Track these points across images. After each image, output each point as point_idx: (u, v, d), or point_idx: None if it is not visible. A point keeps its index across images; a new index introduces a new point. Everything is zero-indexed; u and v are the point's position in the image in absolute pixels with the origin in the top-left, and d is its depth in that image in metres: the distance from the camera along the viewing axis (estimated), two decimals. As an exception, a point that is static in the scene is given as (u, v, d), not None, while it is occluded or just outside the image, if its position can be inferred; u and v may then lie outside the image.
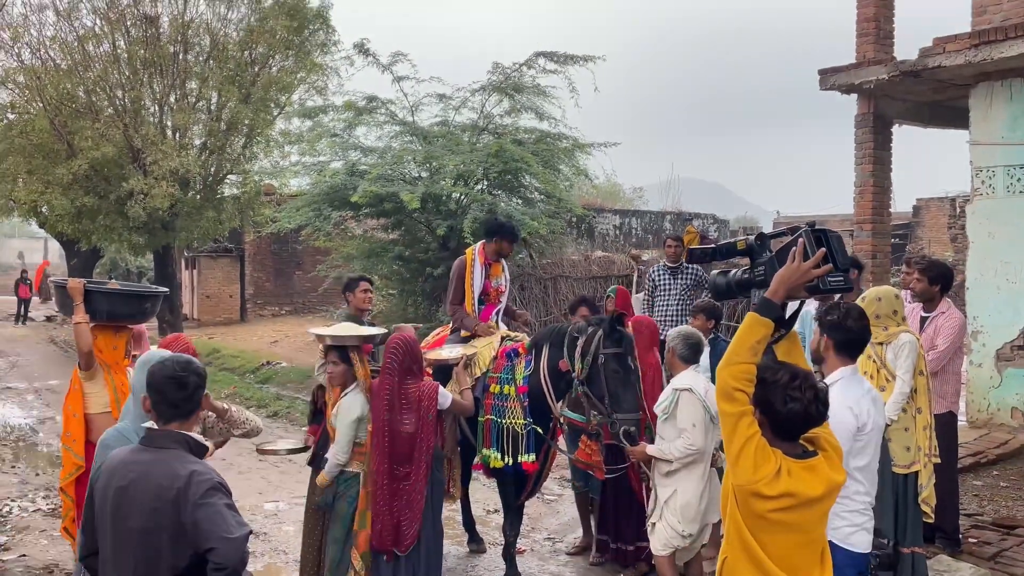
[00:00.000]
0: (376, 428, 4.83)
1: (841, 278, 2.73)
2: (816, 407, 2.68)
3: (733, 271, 2.99)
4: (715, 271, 3.12)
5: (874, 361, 5.24)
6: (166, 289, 6.10)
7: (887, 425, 5.06)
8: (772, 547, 2.67)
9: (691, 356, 5.02)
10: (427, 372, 5.33)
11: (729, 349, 2.73)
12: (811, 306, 6.33)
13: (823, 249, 2.68)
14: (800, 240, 2.72)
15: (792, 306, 2.92)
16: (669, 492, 4.88)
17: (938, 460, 5.24)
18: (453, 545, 6.51)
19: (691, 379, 4.91)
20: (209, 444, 2.98)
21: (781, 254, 2.78)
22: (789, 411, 2.66)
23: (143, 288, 6.08)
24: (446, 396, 5.03)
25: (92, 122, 17.80)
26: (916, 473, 5.08)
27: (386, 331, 5.60)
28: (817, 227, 2.77)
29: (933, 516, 5.23)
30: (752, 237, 2.94)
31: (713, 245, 3.09)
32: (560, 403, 5.54)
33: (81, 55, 18.54)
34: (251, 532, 2.72)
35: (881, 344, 5.19)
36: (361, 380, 4.83)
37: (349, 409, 4.82)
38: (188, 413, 2.88)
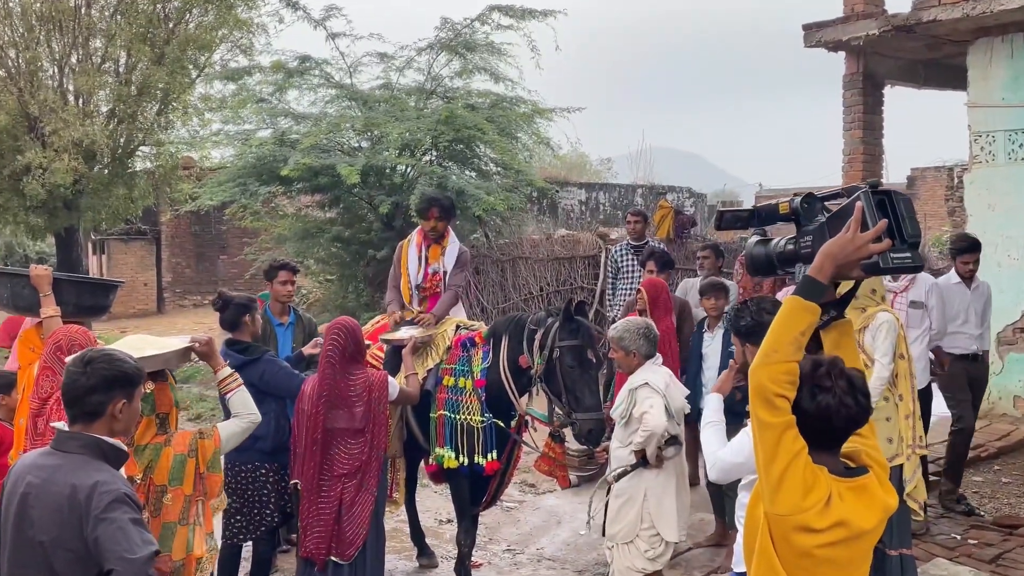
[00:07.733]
0: (311, 426, 4.80)
1: (908, 255, 2.41)
2: (855, 397, 2.42)
3: (776, 240, 2.73)
4: (752, 238, 2.82)
5: None
6: (124, 280, 6.06)
7: None
8: None
9: (650, 351, 4.97)
10: (378, 353, 5.54)
11: (765, 343, 2.42)
12: None
13: (884, 220, 2.38)
14: (858, 204, 2.40)
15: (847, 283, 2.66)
16: (640, 496, 4.82)
17: (925, 451, 5.24)
18: (401, 560, 6.50)
19: (647, 375, 4.89)
20: (127, 449, 2.92)
21: (834, 221, 2.49)
22: (821, 407, 2.40)
23: (107, 279, 6.05)
24: (395, 387, 5.06)
25: (-20, 87, 17.37)
26: (900, 467, 5.06)
27: (188, 346, 4.74)
28: (881, 187, 2.48)
29: (923, 513, 5.26)
30: (798, 198, 2.66)
31: (750, 207, 2.86)
32: (523, 399, 5.55)
33: (-34, 10, 18.07)
34: (158, 551, 2.68)
35: (859, 330, 5.16)
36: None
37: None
38: (89, 416, 2.83)
